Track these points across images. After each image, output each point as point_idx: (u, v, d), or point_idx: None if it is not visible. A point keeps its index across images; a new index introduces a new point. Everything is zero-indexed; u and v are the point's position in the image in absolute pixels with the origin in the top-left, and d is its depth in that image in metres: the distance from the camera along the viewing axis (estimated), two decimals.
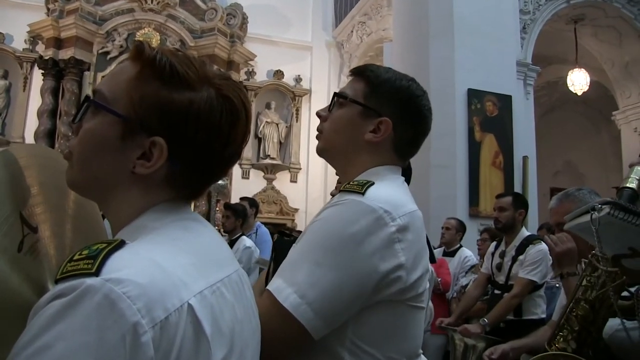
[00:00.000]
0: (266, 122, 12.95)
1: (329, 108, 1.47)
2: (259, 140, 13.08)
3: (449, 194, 7.19)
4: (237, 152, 0.96)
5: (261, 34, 13.34)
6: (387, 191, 1.29)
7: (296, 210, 13.12)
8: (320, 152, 1.50)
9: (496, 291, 4.34)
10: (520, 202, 4.38)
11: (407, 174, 1.52)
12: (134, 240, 0.80)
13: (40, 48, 12.18)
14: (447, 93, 7.41)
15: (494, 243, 4.56)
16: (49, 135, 11.73)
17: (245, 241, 5.52)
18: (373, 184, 1.28)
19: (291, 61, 13.48)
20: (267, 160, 12.85)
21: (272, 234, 6.68)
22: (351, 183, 1.30)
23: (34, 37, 12.23)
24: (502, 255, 4.31)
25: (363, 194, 1.24)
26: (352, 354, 1.21)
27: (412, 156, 1.51)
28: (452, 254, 5.73)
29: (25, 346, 0.66)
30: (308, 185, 13.05)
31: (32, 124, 11.97)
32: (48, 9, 12.24)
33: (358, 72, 1.47)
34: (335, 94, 1.47)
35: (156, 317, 0.71)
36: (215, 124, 0.89)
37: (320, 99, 13.40)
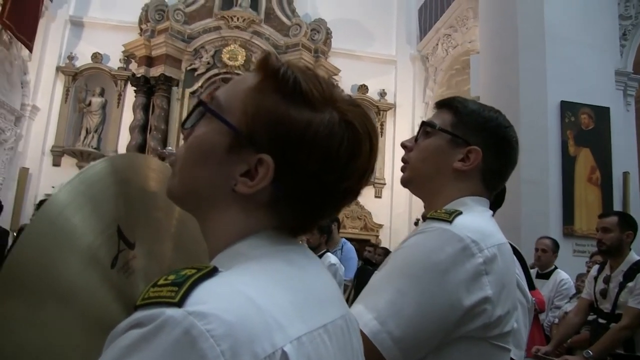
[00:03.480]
0: None
1: (415, 138, 1.45)
2: None
3: (541, 210, 6.85)
4: (354, 188, 0.83)
5: (345, 48, 13.37)
6: (476, 221, 1.25)
7: (380, 226, 12.95)
8: (406, 182, 1.47)
9: (600, 320, 4.00)
10: (628, 222, 4.00)
11: (500, 195, 1.43)
12: (229, 268, 0.71)
13: (133, 66, 12.75)
14: (539, 106, 7.12)
15: (597, 266, 4.21)
16: (139, 150, 12.17)
17: (330, 258, 5.41)
18: (461, 213, 1.24)
19: (375, 75, 13.41)
20: None
21: (356, 250, 6.57)
22: (438, 211, 1.26)
23: (127, 56, 12.83)
24: (607, 280, 3.95)
25: (450, 222, 1.20)
26: None
27: (499, 189, 1.47)
28: (546, 276, 5.39)
29: None
30: (392, 201, 12.85)
31: (124, 138, 12.51)
32: (141, 29, 12.80)
33: (445, 103, 1.46)
34: (422, 123, 1.45)
35: None
36: (332, 152, 0.78)
37: (405, 113, 13.26)
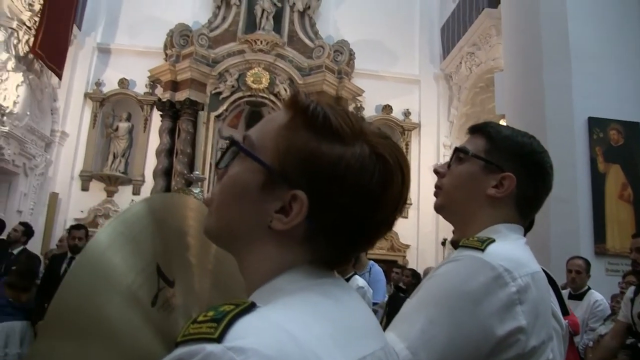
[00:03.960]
0: None
1: (448, 164, 1.45)
2: None
3: (570, 229, 6.71)
4: (388, 220, 0.84)
5: (368, 69, 13.40)
6: (509, 249, 1.23)
7: (407, 246, 12.86)
8: (439, 208, 1.46)
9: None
10: None
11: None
12: (267, 303, 0.72)
13: (159, 91, 12.95)
14: (565, 122, 7.01)
15: (632, 288, 4.09)
16: (166, 174, 12.32)
17: (358, 280, 5.36)
18: (494, 241, 1.23)
19: (399, 95, 13.42)
20: None
21: (384, 272, 6.52)
22: (471, 239, 1.25)
23: (153, 82, 13.04)
24: None
25: (483, 250, 1.19)
26: None
27: (533, 215, 1.44)
28: (579, 297, 5.26)
29: None
30: (419, 221, 12.75)
31: (151, 162, 12.68)
32: (166, 55, 13.02)
33: (477, 129, 1.45)
34: (456, 149, 1.44)
35: None
36: (364, 185, 0.78)
37: (429, 133, 13.23)
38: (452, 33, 13.03)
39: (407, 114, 13.40)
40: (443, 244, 12.40)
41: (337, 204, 0.78)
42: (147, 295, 0.95)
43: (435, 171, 1.46)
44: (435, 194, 1.45)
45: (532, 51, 7.66)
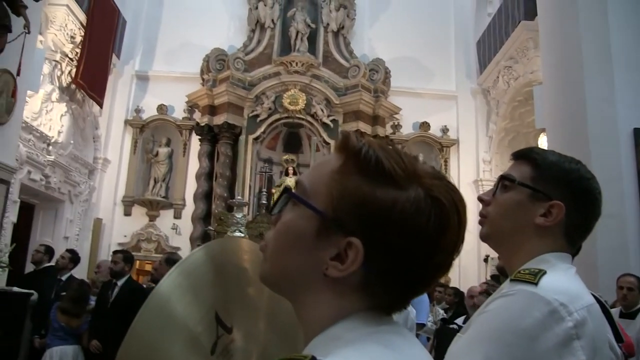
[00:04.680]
0: None
1: (493, 192, 1.42)
2: None
3: (618, 245, 6.51)
4: (446, 262, 0.82)
5: (404, 86, 13.38)
6: (562, 282, 1.21)
7: None
8: (485, 237, 1.43)
9: None
10: None
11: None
12: (326, 354, 0.71)
13: (197, 116, 13.13)
14: (609, 134, 6.85)
15: None
16: (206, 197, 12.46)
17: None
18: (545, 273, 1.20)
19: (437, 112, 13.34)
20: None
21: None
22: (522, 272, 1.22)
23: (191, 106, 13.26)
24: None
25: (536, 284, 1.16)
26: None
27: (581, 242, 1.42)
28: (632, 315, 5.09)
29: None
30: None
31: (191, 186, 12.85)
32: (203, 79, 13.22)
33: (522, 155, 1.43)
34: (501, 177, 1.44)
35: None
36: (420, 229, 0.77)
37: (468, 149, 13.09)
38: (488, 47, 12.91)
39: (445, 130, 13.29)
40: (485, 260, 12.21)
41: (393, 249, 0.76)
42: (207, 343, 0.97)
43: (480, 199, 1.45)
44: (481, 223, 1.43)
45: (572, 62, 7.52)
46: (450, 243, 0.80)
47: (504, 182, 1.40)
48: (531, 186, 1.35)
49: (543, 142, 10.73)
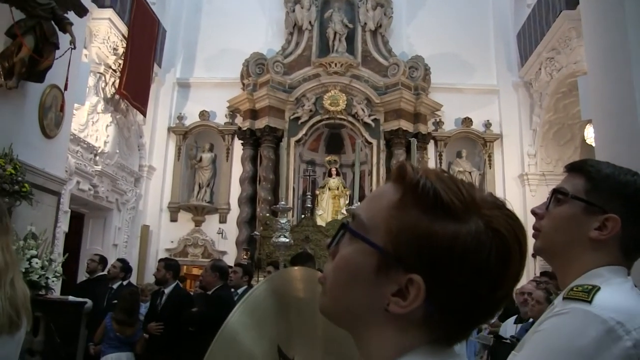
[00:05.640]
0: (458, 171, 12.67)
1: (547, 205, 1.40)
2: None
3: None
4: (507, 294, 0.80)
5: (445, 82, 13.23)
6: (618, 298, 1.17)
7: None
8: (539, 251, 1.42)
9: None
10: None
11: None
12: None
13: (238, 120, 13.25)
14: None
15: None
16: (250, 201, 12.58)
17: None
18: (599, 289, 1.16)
19: (478, 107, 13.16)
20: None
21: None
22: (575, 289, 1.19)
23: (232, 111, 13.37)
24: None
25: (590, 302, 1.14)
26: None
27: (639, 256, 1.38)
28: None
29: None
30: None
31: (235, 191, 12.97)
32: (243, 84, 13.32)
33: (576, 168, 1.41)
34: (554, 190, 1.40)
35: None
36: (482, 263, 0.75)
37: (512, 143, 12.89)
38: (528, 39, 12.65)
39: (487, 125, 13.10)
40: (534, 256, 11.94)
41: (455, 284, 0.75)
42: None
43: (534, 212, 1.42)
44: (534, 236, 1.41)
45: (619, 51, 7.29)
46: (512, 275, 0.78)
47: (557, 195, 1.37)
48: (585, 199, 1.32)
49: (589, 134, 10.47)
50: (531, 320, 4.58)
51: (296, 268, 1.25)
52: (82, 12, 6.77)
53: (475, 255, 0.75)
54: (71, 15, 6.48)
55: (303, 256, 5.76)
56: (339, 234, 0.84)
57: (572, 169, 1.41)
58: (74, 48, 6.47)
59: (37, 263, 6.03)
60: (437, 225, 0.75)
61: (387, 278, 0.77)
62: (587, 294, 1.15)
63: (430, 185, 0.77)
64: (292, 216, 11.80)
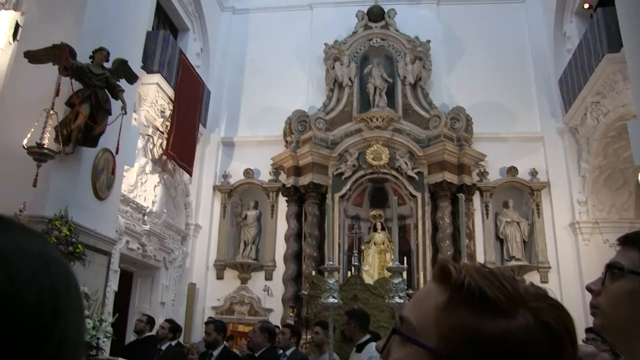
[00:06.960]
0: (506, 222, 12.43)
1: (602, 281, 1.32)
2: (501, 242, 12.55)
3: None
4: None
5: (488, 132, 13.12)
6: None
7: None
8: (601, 329, 1.34)
9: None
10: None
11: None
12: None
13: (282, 177, 13.34)
14: None
15: None
16: (296, 258, 12.51)
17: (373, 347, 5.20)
18: None
19: (523, 155, 12.96)
20: (512, 262, 12.09)
21: None
22: None
23: (276, 169, 13.50)
24: None
25: None
26: None
27: None
28: None
29: None
30: (561, 284, 11.86)
31: (280, 247, 12.94)
32: (286, 142, 13.48)
33: (630, 240, 1.32)
34: (608, 265, 1.31)
35: None
36: (534, 358, 0.76)
37: (560, 191, 12.59)
38: (571, 84, 12.50)
39: (534, 173, 12.87)
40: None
41: None
42: None
43: (589, 289, 1.35)
44: (592, 314, 1.34)
45: None
46: None
47: (613, 270, 1.30)
48: None
49: None
50: None
51: None
52: (132, 79, 7.02)
53: (527, 350, 0.75)
54: (122, 82, 6.73)
55: (359, 313, 5.76)
56: (390, 339, 0.84)
57: (626, 241, 1.34)
58: (125, 113, 6.69)
59: (88, 323, 6.08)
60: (487, 323, 0.76)
61: None
62: None
63: (475, 284, 0.78)
64: (339, 273, 11.69)
